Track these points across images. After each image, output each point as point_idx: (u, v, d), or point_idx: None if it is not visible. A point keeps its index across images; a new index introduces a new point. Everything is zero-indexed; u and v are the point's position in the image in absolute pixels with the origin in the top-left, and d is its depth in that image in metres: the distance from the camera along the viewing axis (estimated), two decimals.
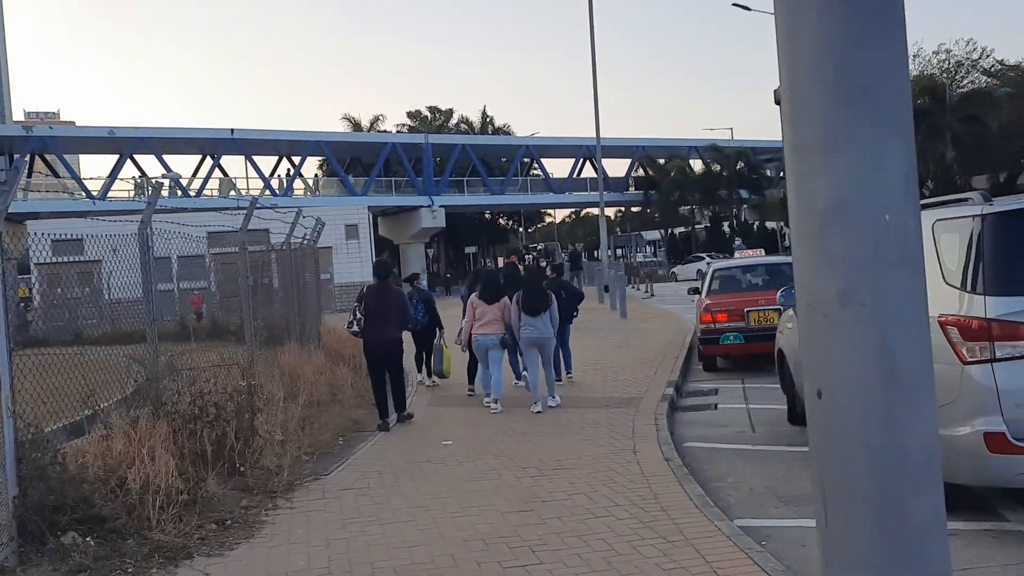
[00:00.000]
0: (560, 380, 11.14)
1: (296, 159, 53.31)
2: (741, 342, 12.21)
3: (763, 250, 14.45)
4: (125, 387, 7.08)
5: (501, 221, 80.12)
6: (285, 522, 5.91)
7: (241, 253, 10.58)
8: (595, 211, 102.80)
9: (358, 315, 9.42)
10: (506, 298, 10.09)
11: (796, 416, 8.42)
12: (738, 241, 42.56)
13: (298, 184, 53.66)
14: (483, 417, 9.78)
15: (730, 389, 11.35)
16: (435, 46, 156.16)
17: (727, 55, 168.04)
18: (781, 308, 12.03)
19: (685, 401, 10.79)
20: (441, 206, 53.80)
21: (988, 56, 40.91)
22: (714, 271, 13.52)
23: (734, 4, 45.11)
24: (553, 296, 10.14)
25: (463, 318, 10.89)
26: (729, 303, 12.48)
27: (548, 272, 12.47)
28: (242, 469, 6.72)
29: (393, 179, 56.14)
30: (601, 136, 59.67)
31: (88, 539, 5.29)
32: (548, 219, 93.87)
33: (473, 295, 10.42)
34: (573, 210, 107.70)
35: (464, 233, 66.27)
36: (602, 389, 11.19)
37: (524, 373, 10.89)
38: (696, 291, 15.19)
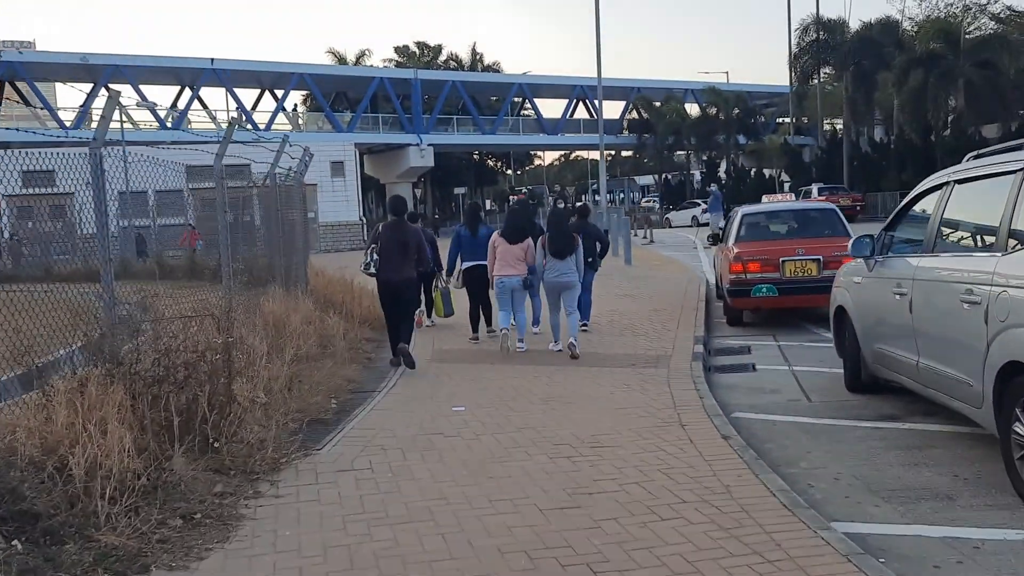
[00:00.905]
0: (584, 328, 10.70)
1: (279, 92, 51.18)
2: (775, 295, 11.06)
3: (793, 195, 13.02)
4: (74, 338, 5.79)
5: (490, 162, 78.40)
6: (270, 517, 4.73)
7: (219, 185, 9.24)
8: (585, 154, 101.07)
9: (374, 256, 9.17)
10: (530, 239, 9.70)
11: (859, 383, 7.30)
12: (713, 186, 40.95)
13: (281, 119, 51.49)
14: (494, 374, 8.69)
15: (763, 347, 10.25)
16: None
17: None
18: (804, 257, 10.95)
19: (716, 360, 9.67)
20: (430, 145, 52.04)
21: (997, 1, 39.39)
22: (743, 216, 12.26)
23: None
24: (579, 239, 9.66)
25: (452, 257, 10.89)
26: (762, 252, 11.28)
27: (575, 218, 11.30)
28: (216, 444, 5.51)
29: (380, 115, 54.21)
30: (592, 77, 58.06)
31: (15, 543, 4.08)
32: (537, 161, 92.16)
33: (495, 234, 9.91)
34: (563, 153, 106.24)
35: (452, 174, 64.59)
36: (622, 345, 10.04)
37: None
38: (717, 238, 14.01)
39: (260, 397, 6.50)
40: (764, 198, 13.19)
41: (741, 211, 12.44)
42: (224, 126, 42.77)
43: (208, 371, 5.72)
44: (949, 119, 34.95)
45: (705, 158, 53.99)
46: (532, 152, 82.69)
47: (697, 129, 52.30)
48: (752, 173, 49.26)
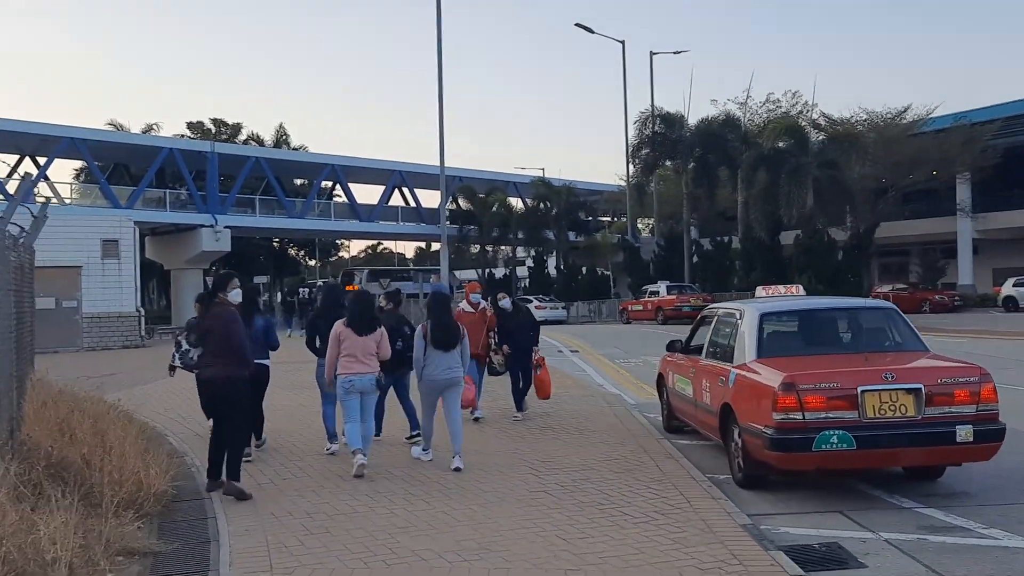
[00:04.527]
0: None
1: (42, 160, 42.87)
2: (852, 448, 6.59)
3: (801, 286, 8.69)
4: None
5: (291, 251, 71.93)
6: None
7: None
8: (394, 245, 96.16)
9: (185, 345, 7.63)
10: (382, 328, 8.09)
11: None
12: (432, 278, 36.39)
13: (45, 189, 42.82)
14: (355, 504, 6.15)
15: (855, 541, 5.76)
16: (223, 57, 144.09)
17: (542, 88, 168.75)
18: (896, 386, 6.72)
19: None
20: (226, 227, 45.37)
21: (813, 108, 39.64)
22: (761, 317, 7.86)
23: (577, 25, 41.32)
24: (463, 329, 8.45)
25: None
26: (826, 375, 6.83)
27: (384, 303, 9.30)
28: None
29: (168, 192, 46.96)
30: (412, 163, 54.19)
31: None
32: (343, 252, 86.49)
33: (339, 324, 8.02)
34: (370, 244, 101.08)
35: (249, 261, 57.64)
36: (616, 545, 5.19)
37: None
38: (682, 344, 9.60)
39: None
40: (760, 290, 8.69)
41: (754, 309, 7.99)
42: None
43: None
44: (801, 218, 33.69)
45: (533, 253, 50.93)
46: (339, 242, 77.08)
47: (525, 222, 49.27)
48: (584, 270, 46.60)
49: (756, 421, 7.03)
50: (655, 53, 44.50)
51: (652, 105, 40.79)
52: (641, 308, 36.41)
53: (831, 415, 6.66)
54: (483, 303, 10.89)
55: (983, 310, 36.68)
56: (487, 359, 10.72)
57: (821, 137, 36.90)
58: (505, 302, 10.84)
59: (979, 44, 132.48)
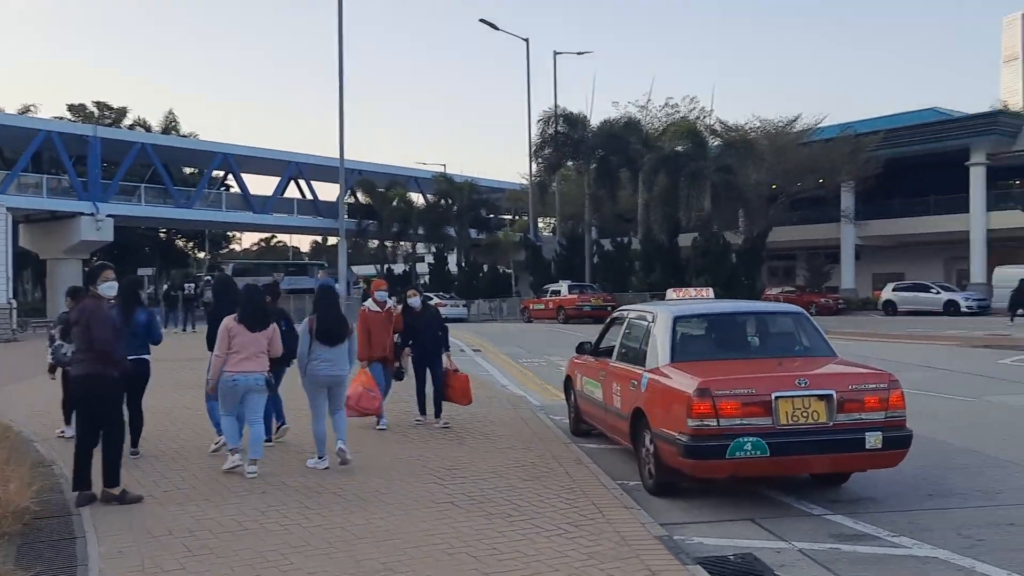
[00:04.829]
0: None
1: None
2: (765, 455, 6.49)
3: (711, 289, 8.63)
4: None
5: (179, 242, 68.97)
6: None
7: None
8: (288, 239, 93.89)
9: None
10: (275, 324, 7.83)
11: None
12: (320, 274, 35.26)
13: None
14: (244, 519, 5.87)
15: (768, 551, 5.65)
16: (109, 38, 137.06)
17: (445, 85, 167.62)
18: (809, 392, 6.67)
19: None
20: (109, 216, 43.02)
21: (710, 114, 40.54)
22: (675, 320, 7.70)
23: (481, 20, 40.98)
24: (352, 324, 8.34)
25: None
26: (740, 381, 6.71)
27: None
28: None
29: (46, 178, 44.11)
30: (310, 154, 52.74)
31: None
32: (235, 244, 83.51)
33: (229, 320, 7.64)
34: (263, 237, 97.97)
35: (133, 252, 54.88)
36: (526, 548, 4.91)
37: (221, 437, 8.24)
38: (591, 346, 9.42)
39: None
40: (671, 293, 8.57)
41: (667, 312, 7.83)
42: None
43: None
44: (699, 222, 34.31)
45: (434, 250, 50.32)
46: (231, 234, 74.40)
47: (426, 218, 48.62)
48: (485, 268, 46.33)
49: (670, 427, 6.84)
50: (559, 53, 44.73)
51: (555, 105, 40.92)
52: (543, 307, 36.43)
53: (745, 422, 6.54)
54: (389, 302, 10.29)
55: (865, 313, 38.33)
56: (396, 363, 10.15)
57: (717, 143, 37.76)
58: (415, 300, 10.20)
59: (865, 58, 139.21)
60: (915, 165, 40.77)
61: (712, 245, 33.12)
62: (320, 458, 7.94)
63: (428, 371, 10.19)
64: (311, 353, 7.88)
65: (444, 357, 10.22)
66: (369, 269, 61.31)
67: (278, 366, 8.40)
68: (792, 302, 31.95)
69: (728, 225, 35.76)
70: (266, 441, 8.27)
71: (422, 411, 10.24)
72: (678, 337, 7.64)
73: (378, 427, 9.89)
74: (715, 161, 34.22)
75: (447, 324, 10.78)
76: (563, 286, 35.84)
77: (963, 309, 34.49)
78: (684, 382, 6.82)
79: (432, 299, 11.56)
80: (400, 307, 10.27)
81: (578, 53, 44.38)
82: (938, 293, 36.15)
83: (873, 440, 6.53)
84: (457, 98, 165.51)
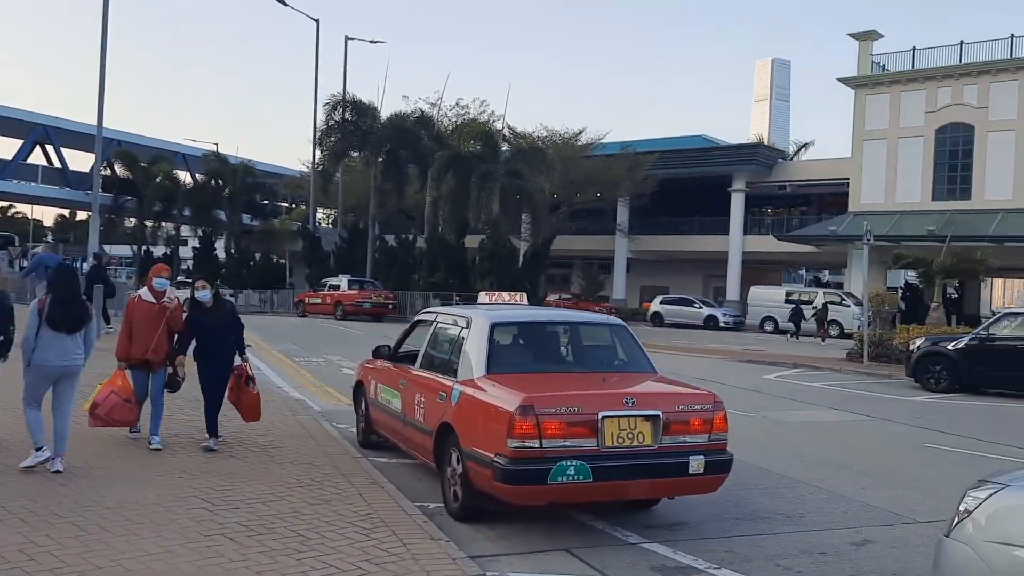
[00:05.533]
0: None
1: None
2: (588, 480, 5.94)
3: (524, 294, 8.08)
4: None
5: None
6: None
7: None
8: (31, 210, 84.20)
9: None
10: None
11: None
12: (39, 248, 31.27)
13: None
14: None
15: None
16: None
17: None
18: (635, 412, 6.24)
19: None
20: None
21: (501, 119, 40.90)
22: (493, 326, 6.97)
23: None
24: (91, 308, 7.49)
25: None
26: (564, 399, 6.11)
27: None
28: None
29: None
30: (61, 117, 47.28)
31: None
32: None
33: (38, 303, 7.03)
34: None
35: None
36: None
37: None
38: (389, 350, 8.53)
39: None
40: (483, 296, 7.92)
41: (483, 317, 7.09)
42: None
43: None
44: (484, 224, 34.15)
45: (200, 233, 46.65)
46: None
47: (194, 199, 45.00)
48: (258, 257, 43.58)
49: (484, 447, 6.11)
50: (351, 39, 43.10)
51: (344, 91, 39.31)
52: (319, 301, 34.75)
53: (569, 443, 5.95)
54: (175, 292, 8.41)
55: (634, 323, 40.01)
56: (171, 369, 8.21)
57: (506, 148, 38.02)
58: (204, 294, 8.30)
59: (642, 83, 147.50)
60: (685, 186, 43.41)
61: (499, 248, 33.14)
62: (39, 450, 6.89)
63: (218, 383, 8.35)
64: (39, 338, 6.94)
65: (239, 361, 8.47)
66: (125, 250, 56.05)
67: None
68: (569, 309, 32.69)
69: (514, 230, 36.00)
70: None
71: (213, 433, 8.29)
72: (495, 346, 6.94)
73: (130, 435, 8.38)
74: (506, 165, 34.33)
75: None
76: (343, 280, 34.39)
77: (721, 324, 37.02)
78: (504, 397, 6.12)
79: (228, 292, 9.35)
80: (178, 301, 8.35)
81: (371, 41, 43.07)
82: (700, 308, 38.59)
83: (696, 464, 6.17)
84: (235, 73, 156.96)
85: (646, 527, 6.57)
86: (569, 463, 5.87)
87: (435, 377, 7.23)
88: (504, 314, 7.39)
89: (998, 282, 53.44)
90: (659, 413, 6.17)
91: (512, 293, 8.48)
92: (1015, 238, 31.03)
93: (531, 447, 5.86)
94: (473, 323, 7.12)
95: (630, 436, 6.10)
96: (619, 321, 7.69)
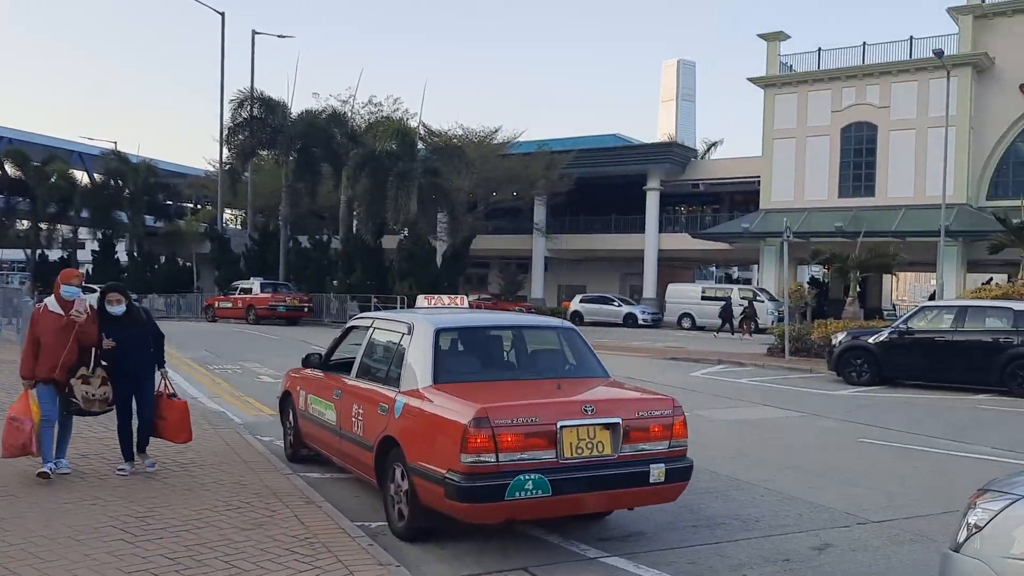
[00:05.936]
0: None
1: None
2: (547, 495, 5.59)
3: (465, 297, 7.67)
4: None
5: None
6: None
7: None
8: None
9: None
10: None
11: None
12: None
13: None
14: None
15: None
16: None
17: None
18: (594, 421, 5.92)
19: None
20: None
21: (414, 117, 40.26)
22: (438, 332, 6.54)
23: None
24: None
25: None
26: (522, 408, 5.74)
27: None
28: None
29: None
30: None
31: None
32: None
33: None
34: None
35: None
36: None
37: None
38: (320, 358, 7.99)
39: None
40: (422, 300, 7.48)
41: (426, 322, 6.65)
42: None
43: None
44: (402, 224, 33.46)
45: (100, 236, 44.38)
46: None
47: (92, 199, 42.78)
48: (162, 260, 41.72)
49: (434, 463, 5.68)
50: (258, 33, 41.96)
51: (252, 87, 37.95)
52: (230, 305, 33.45)
53: (526, 456, 5.57)
54: (86, 302, 7.41)
55: None
56: (69, 389, 7.19)
57: (423, 146, 37.43)
58: (117, 309, 7.37)
59: (555, 82, 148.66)
60: (601, 185, 43.65)
61: (418, 249, 32.53)
62: None
63: (135, 399, 7.57)
64: None
65: (158, 376, 7.75)
66: (18, 254, 52.98)
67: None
68: (488, 309, 32.45)
69: (432, 229, 35.43)
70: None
71: (128, 457, 7.57)
72: (441, 353, 6.51)
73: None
74: (424, 163, 33.74)
75: None
76: (255, 283, 33.18)
77: (640, 321, 37.33)
78: (455, 409, 5.70)
79: (94, 291, 7.99)
80: (91, 312, 7.36)
81: (279, 36, 41.97)
82: (619, 306, 38.83)
83: (657, 473, 5.89)
84: (136, 68, 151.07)
85: (601, 539, 6.27)
86: (527, 477, 5.50)
87: (375, 387, 6.76)
88: (449, 319, 6.96)
89: (894, 277, 55.75)
90: (619, 420, 5.86)
91: (452, 296, 8.03)
92: (917, 233, 32.23)
93: (487, 462, 5.46)
94: (416, 329, 6.67)
95: (589, 446, 5.77)
96: (569, 324, 7.36)
